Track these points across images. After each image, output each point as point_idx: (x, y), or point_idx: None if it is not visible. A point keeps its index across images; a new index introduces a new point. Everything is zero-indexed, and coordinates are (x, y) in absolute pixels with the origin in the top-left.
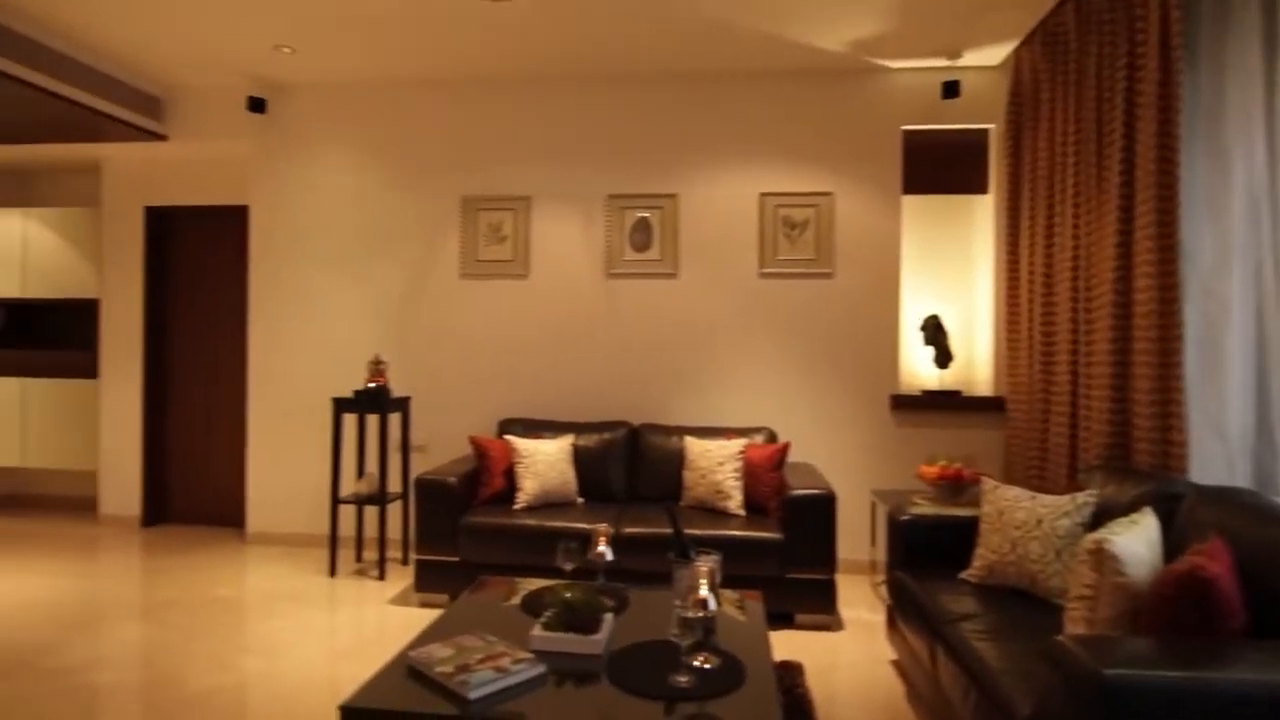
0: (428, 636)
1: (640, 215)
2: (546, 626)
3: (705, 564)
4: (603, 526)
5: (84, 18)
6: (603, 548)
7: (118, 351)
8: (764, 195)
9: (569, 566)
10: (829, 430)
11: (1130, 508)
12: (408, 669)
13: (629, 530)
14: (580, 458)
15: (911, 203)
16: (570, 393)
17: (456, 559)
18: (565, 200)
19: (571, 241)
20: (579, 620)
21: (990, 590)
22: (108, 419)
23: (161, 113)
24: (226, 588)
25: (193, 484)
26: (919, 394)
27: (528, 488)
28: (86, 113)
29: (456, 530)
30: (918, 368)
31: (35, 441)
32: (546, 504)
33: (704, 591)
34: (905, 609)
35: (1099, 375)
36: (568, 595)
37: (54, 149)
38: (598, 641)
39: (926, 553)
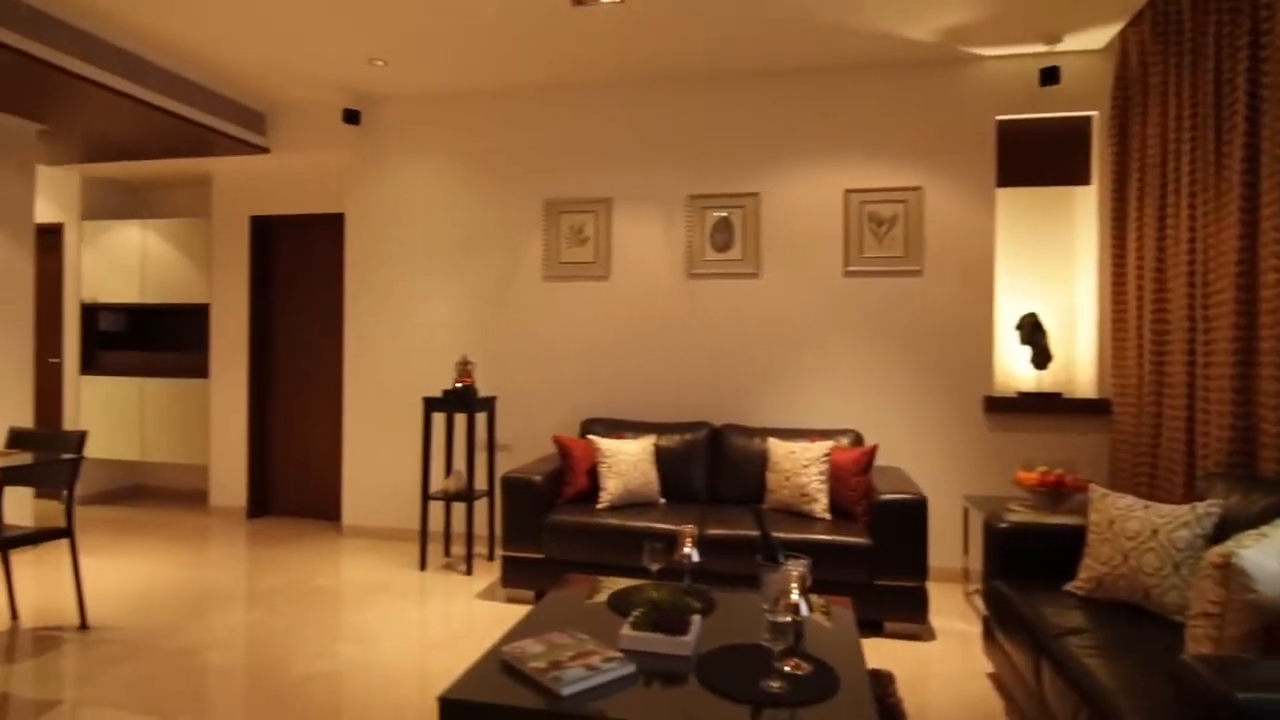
0: (518, 632)
1: (721, 215)
2: (635, 626)
3: (796, 568)
4: (689, 528)
5: (196, 40)
6: (689, 549)
7: (225, 353)
8: (849, 191)
9: (655, 567)
10: (919, 433)
11: (1259, 519)
12: (501, 663)
13: (712, 532)
14: (662, 458)
15: (1007, 196)
16: (651, 393)
17: (541, 556)
18: (646, 201)
19: (652, 242)
20: (667, 621)
21: (1099, 604)
22: (217, 416)
23: (264, 127)
24: (324, 578)
25: (292, 479)
26: (1014, 396)
27: (611, 487)
28: (198, 129)
29: (541, 528)
30: (1013, 368)
31: (153, 437)
32: (629, 504)
33: (796, 596)
34: (1005, 621)
35: (1219, 376)
36: (655, 596)
37: (169, 164)
38: (686, 643)
39: (1026, 563)
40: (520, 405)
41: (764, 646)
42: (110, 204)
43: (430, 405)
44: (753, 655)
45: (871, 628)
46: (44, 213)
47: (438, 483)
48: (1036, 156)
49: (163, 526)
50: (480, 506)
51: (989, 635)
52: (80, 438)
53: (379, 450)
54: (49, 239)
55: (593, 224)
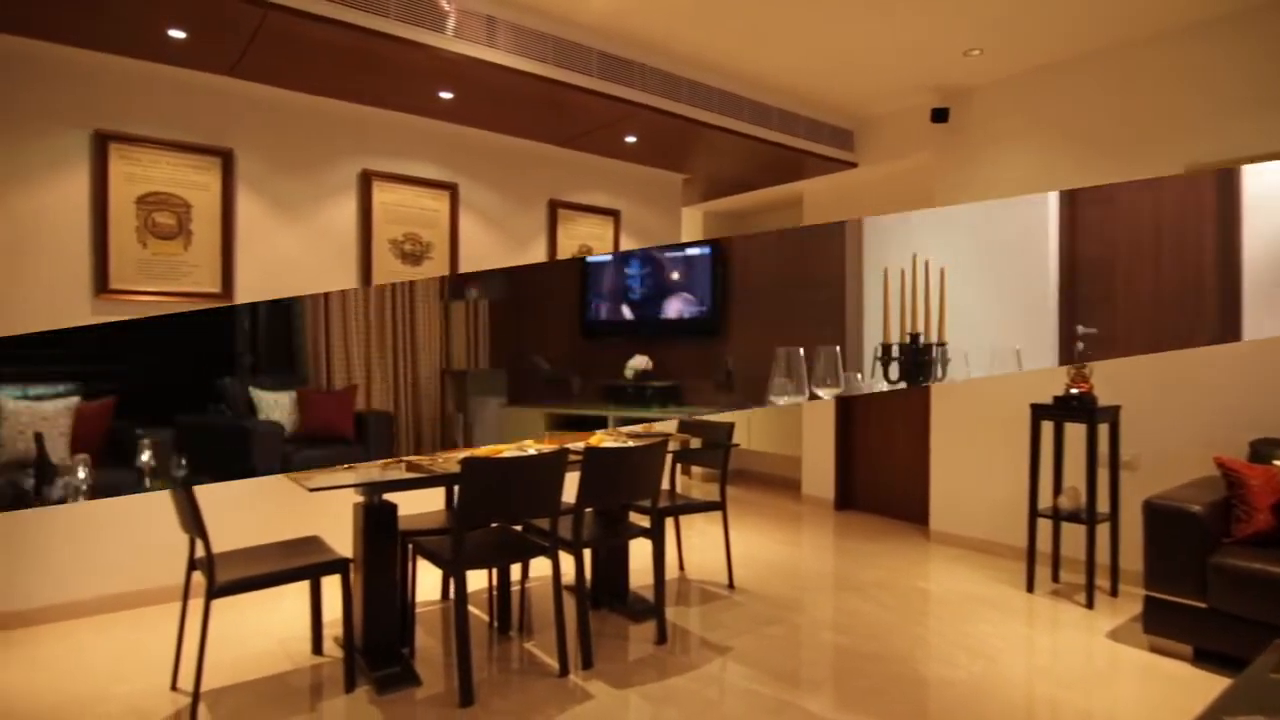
0: (1233, 704)
1: None
2: None
3: None
4: None
5: (797, 79)
6: None
7: None
8: None
9: None
10: None
11: None
12: None
13: None
14: None
15: None
16: None
17: (1203, 605)
18: None
19: None
20: None
21: None
22: (808, 413)
23: (852, 143)
24: (923, 580)
25: (876, 477)
26: None
27: None
28: (799, 155)
29: (1203, 570)
30: None
31: (756, 428)
32: None
33: None
34: None
35: None
36: None
37: (768, 191)
38: None
39: None
40: (1147, 416)
41: None
42: (722, 231)
43: (1039, 413)
44: None
45: None
46: None
47: (1044, 499)
48: None
49: (765, 507)
50: (1099, 532)
51: None
52: (729, 429)
53: (970, 457)
54: None
55: None
